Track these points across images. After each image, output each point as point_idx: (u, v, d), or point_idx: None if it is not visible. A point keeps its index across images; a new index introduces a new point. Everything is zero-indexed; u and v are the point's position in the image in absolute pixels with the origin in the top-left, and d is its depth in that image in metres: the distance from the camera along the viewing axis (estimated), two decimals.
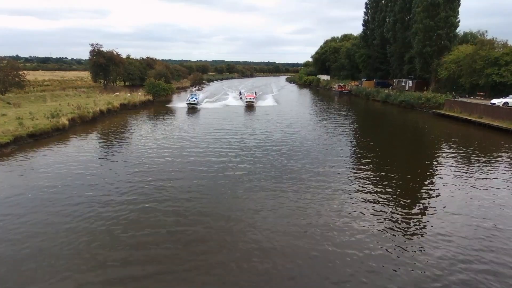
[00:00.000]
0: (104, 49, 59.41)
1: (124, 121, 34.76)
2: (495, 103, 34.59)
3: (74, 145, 23.60)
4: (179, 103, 48.90)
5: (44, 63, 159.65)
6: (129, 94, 51.58)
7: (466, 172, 18.53)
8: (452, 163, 20.57)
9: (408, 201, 14.56)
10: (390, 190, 15.73)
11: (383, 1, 70.17)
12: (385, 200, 14.51)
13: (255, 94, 58.31)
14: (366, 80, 75.15)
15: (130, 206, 13.51)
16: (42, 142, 24.08)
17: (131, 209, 13.24)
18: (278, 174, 17.60)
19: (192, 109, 43.17)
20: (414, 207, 14.00)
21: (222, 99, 57.73)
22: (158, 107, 46.33)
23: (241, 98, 57.69)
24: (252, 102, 48.46)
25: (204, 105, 48.22)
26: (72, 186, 15.59)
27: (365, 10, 78.32)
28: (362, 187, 16.09)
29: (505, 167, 19.73)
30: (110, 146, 23.82)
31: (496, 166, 19.88)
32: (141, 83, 63.07)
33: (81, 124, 31.35)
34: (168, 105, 47.81)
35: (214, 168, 18.51)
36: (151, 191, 15.07)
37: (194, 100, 44.80)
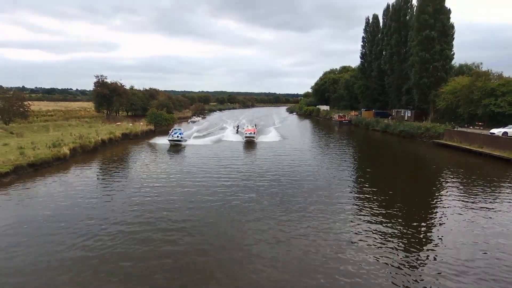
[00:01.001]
0: (109, 80, 60.90)
1: (124, 151, 34.85)
2: (494, 133, 34.78)
3: (73, 175, 23.48)
4: (160, 139, 41.40)
5: (49, 94, 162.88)
6: (131, 124, 52.16)
7: (469, 202, 18.23)
8: (455, 192, 20.32)
9: (412, 230, 14.21)
10: (393, 219, 15.41)
11: (380, 36, 72.71)
12: (388, 230, 14.17)
13: (256, 127, 52.60)
14: (365, 110, 76.21)
15: (127, 236, 13.20)
16: (43, 171, 24.01)
17: (128, 240, 12.91)
18: (278, 204, 17.34)
19: (176, 146, 37.31)
20: (417, 236, 13.64)
21: (217, 133, 51.93)
22: (138, 142, 40.88)
23: (237, 132, 52.71)
24: (253, 137, 42.21)
25: (191, 141, 41.85)
26: (68, 216, 15.33)
27: (362, 43, 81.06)
28: (364, 216, 15.78)
29: (508, 196, 19.45)
30: (108, 176, 23.72)
31: (500, 196, 19.60)
32: (144, 113, 63.96)
33: (82, 153, 31.42)
34: (150, 141, 41.46)
35: (214, 199, 18.29)
36: (148, 222, 14.78)
37: (177, 136, 38.72)
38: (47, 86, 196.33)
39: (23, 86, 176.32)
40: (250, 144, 40.82)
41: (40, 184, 20.76)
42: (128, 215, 15.62)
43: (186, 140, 40.72)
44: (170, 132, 41.21)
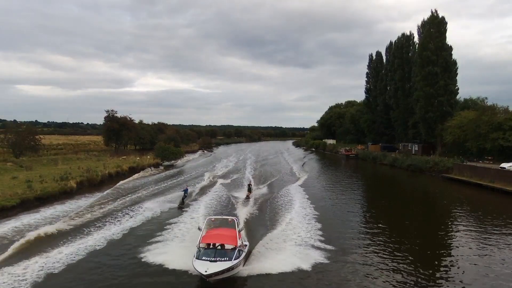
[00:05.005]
0: (119, 114, 62.46)
1: (129, 184, 34.76)
2: (505, 167, 34.08)
3: (76, 208, 23.31)
4: None
5: (61, 128, 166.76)
6: (138, 158, 52.61)
7: (484, 240, 17.50)
8: (469, 230, 19.55)
9: (426, 271, 13.57)
10: (406, 260, 14.80)
11: (383, 71, 74.23)
12: (401, 272, 13.55)
13: (250, 187, 28.62)
14: (372, 144, 76.02)
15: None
16: (48, 205, 23.89)
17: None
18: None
19: None
20: (431, 277, 12.99)
21: (170, 193, 28.51)
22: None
23: (184, 200, 25.14)
24: (225, 271, 11.72)
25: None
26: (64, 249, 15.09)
27: (366, 79, 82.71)
28: (374, 256, 15.19)
29: None
30: (109, 209, 23.52)
31: None
32: (151, 147, 64.75)
33: (89, 186, 31.47)
34: None
35: None
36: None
37: None
38: (59, 121, 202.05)
39: (36, 121, 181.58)
40: None
41: (45, 217, 20.62)
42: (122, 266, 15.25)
43: None
44: None
